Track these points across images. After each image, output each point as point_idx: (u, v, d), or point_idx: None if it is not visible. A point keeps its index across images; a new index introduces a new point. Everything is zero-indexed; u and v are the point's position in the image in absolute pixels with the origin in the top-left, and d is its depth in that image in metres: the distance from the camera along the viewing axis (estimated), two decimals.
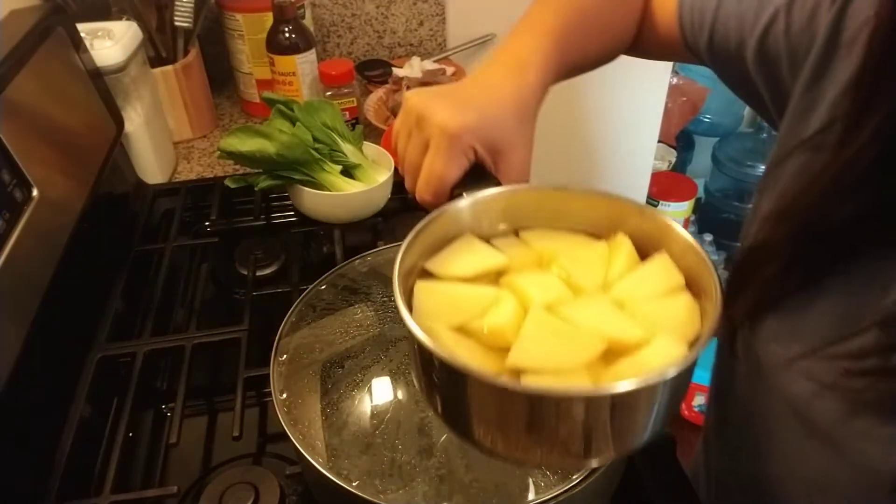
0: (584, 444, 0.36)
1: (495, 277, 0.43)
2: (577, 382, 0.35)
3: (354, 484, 0.43)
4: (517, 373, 0.36)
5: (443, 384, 0.37)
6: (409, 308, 0.39)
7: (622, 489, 0.51)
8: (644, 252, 0.43)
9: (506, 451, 0.37)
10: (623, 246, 0.43)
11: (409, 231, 0.41)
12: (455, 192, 0.46)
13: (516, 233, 0.46)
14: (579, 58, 0.58)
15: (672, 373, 0.33)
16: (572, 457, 0.37)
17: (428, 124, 0.47)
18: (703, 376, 1.86)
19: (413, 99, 0.49)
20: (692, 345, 0.36)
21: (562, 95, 0.91)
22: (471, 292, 0.41)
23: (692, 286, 0.40)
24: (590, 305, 0.40)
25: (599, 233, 0.45)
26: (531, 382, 0.35)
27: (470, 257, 0.43)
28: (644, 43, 0.63)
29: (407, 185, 0.51)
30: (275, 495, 0.53)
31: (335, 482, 0.43)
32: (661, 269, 0.41)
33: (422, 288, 0.41)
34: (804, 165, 0.45)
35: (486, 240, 0.45)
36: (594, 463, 0.38)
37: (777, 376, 0.48)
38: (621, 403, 0.34)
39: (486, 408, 0.36)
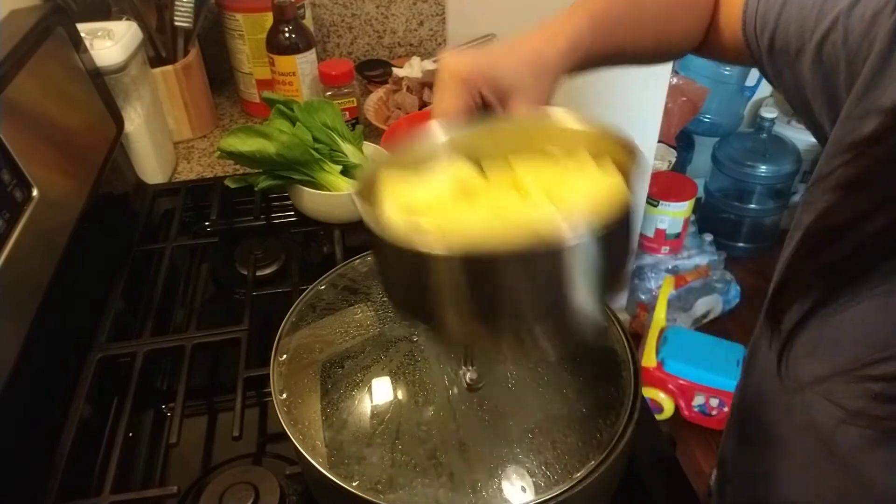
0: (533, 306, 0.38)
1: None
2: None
3: (354, 484, 0.43)
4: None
5: (381, 258, 0.41)
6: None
7: (622, 489, 0.51)
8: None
9: (426, 319, 0.40)
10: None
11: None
12: None
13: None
14: (627, 45, 0.59)
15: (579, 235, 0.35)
16: (525, 329, 0.40)
17: (444, 71, 0.50)
18: (712, 379, 1.83)
19: (443, 58, 0.51)
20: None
21: (564, 95, 0.91)
22: (423, 179, 0.44)
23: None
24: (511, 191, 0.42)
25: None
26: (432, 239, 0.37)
27: (439, 166, 0.45)
28: (710, 44, 0.63)
29: None
30: (275, 495, 0.53)
31: (335, 482, 0.43)
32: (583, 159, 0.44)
33: (383, 177, 0.43)
34: None
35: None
36: (551, 346, 0.40)
37: (803, 396, 0.48)
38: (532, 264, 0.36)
39: (406, 274, 0.39)
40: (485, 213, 0.41)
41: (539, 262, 0.36)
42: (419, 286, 0.38)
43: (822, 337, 0.46)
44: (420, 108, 1.08)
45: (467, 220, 0.40)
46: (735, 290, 2.03)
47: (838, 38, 0.47)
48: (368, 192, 0.43)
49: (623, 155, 0.44)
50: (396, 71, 1.17)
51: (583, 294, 0.38)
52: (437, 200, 0.42)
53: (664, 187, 1.94)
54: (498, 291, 0.37)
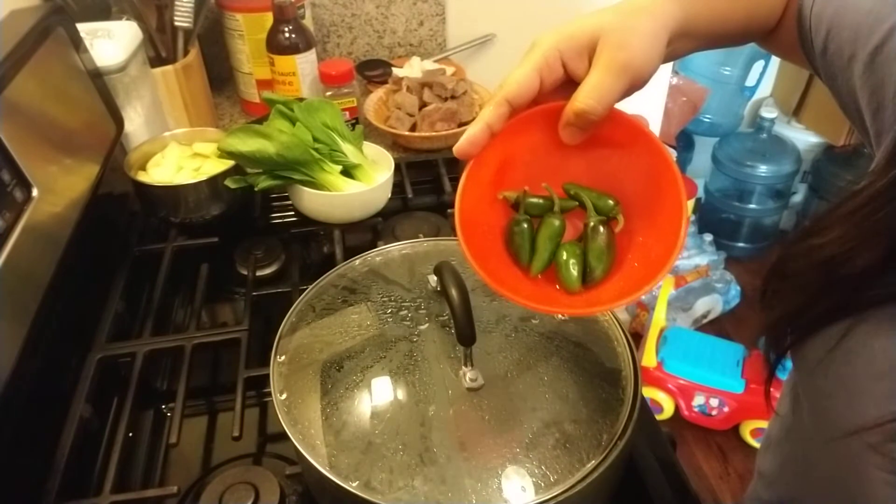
0: None
1: None
2: None
3: (354, 484, 0.43)
4: None
5: None
6: None
7: (622, 489, 0.51)
8: None
9: None
10: None
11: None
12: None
13: None
14: (723, 15, 0.53)
15: None
16: None
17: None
18: (712, 379, 1.80)
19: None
20: None
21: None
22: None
23: None
24: None
25: None
26: None
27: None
28: (776, 37, 0.58)
29: None
30: (275, 495, 0.53)
31: (335, 482, 0.43)
32: None
33: None
34: None
35: None
36: None
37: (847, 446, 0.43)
38: None
39: None
40: None
41: None
42: None
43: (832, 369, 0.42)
44: (420, 108, 1.08)
45: None
46: (735, 290, 2.03)
47: (892, 50, 0.43)
48: None
49: None
50: (396, 71, 1.17)
51: None
52: None
53: None
54: None
